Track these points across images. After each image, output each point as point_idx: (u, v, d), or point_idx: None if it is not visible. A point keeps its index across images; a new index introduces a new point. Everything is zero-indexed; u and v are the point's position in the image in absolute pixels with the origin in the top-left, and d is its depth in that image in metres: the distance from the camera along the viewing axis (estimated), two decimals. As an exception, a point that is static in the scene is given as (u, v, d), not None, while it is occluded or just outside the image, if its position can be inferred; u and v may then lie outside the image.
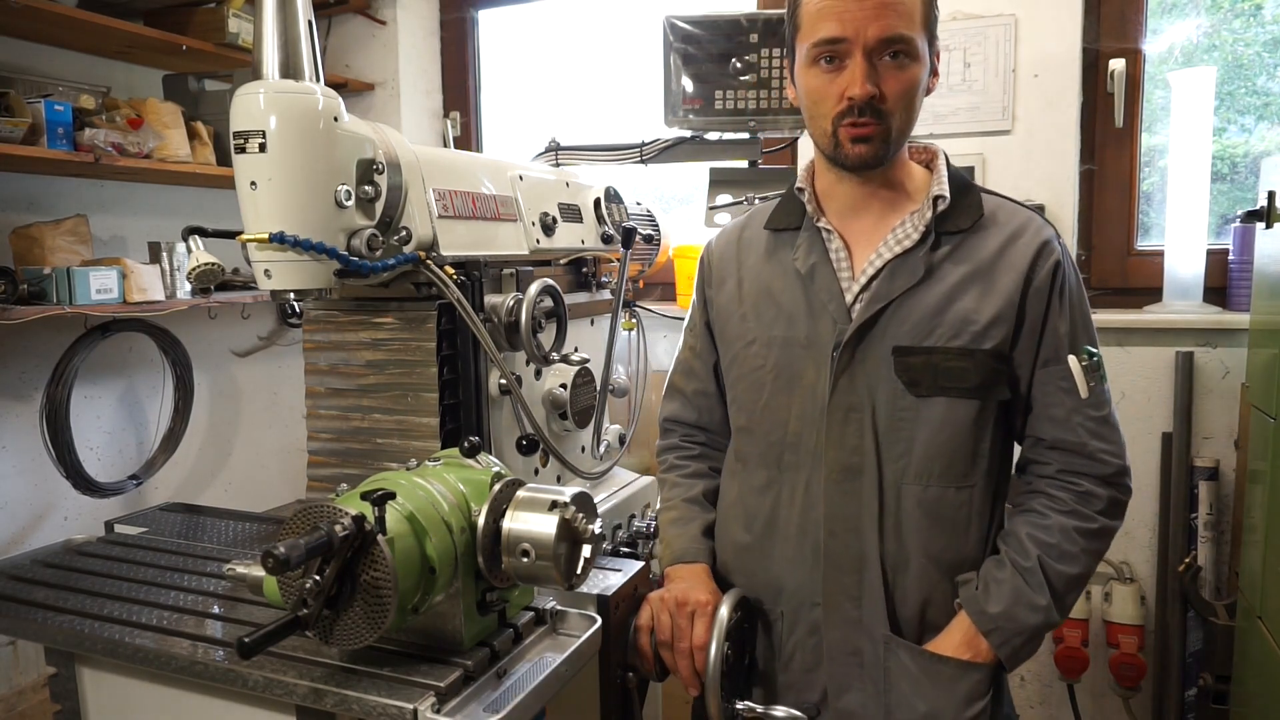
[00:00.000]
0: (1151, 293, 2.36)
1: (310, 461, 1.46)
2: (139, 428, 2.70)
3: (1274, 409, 1.71)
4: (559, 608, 1.20)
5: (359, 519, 0.94)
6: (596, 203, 1.83)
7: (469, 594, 1.06)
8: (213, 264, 1.24)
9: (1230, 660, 2.07)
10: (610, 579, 1.32)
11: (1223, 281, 2.29)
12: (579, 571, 1.10)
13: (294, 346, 3.18)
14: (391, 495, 0.98)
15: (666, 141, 2.21)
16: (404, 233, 1.30)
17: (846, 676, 1.30)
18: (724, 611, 1.27)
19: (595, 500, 1.17)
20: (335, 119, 1.17)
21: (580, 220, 1.77)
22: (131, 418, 2.68)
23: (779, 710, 1.27)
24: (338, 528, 0.92)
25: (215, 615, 1.19)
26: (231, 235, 1.20)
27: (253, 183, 1.13)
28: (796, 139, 2.37)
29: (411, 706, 0.95)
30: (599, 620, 1.19)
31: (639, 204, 2.12)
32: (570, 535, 1.08)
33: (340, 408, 1.44)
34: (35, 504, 2.43)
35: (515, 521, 1.07)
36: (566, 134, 2.21)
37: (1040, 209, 1.37)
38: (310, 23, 1.19)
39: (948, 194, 1.28)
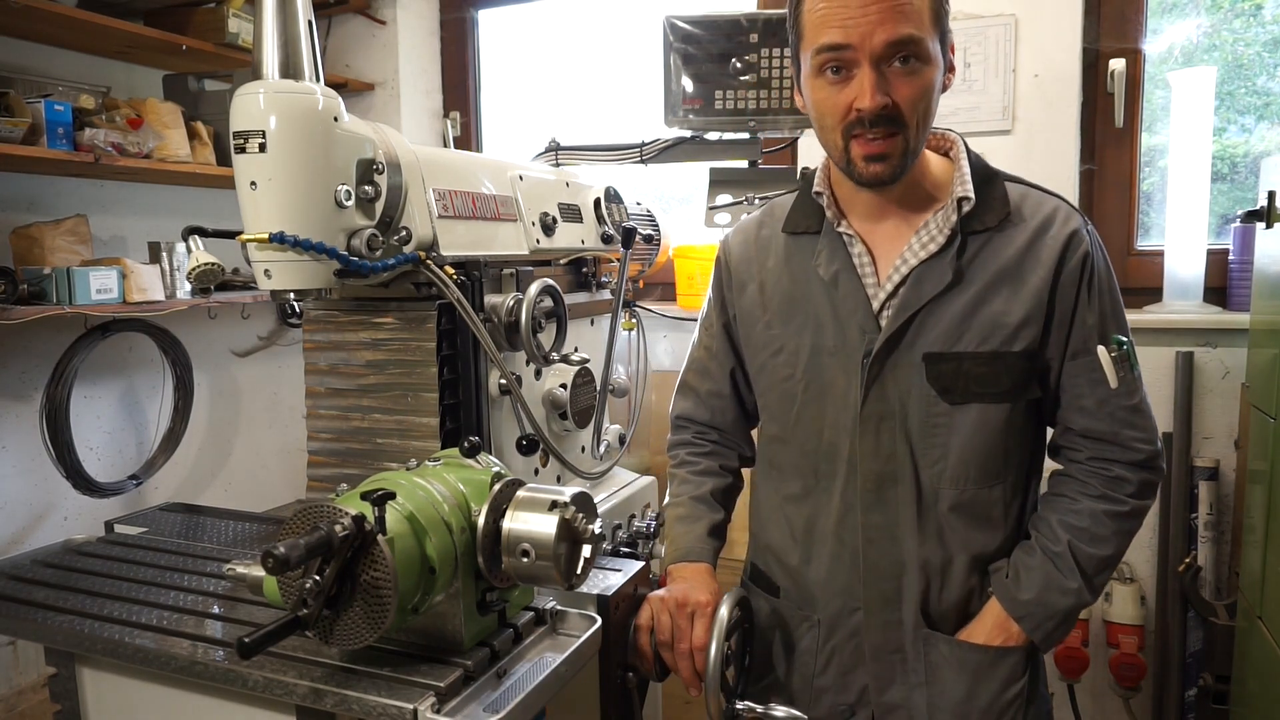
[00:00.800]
0: (1151, 293, 2.36)
1: (310, 461, 1.46)
2: (139, 428, 2.70)
3: (1274, 409, 1.71)
4: (559, 608, 1.20)
5: (359, 519, 0.94)
6: (596, 203, 1.83)
7: (469, 594, 1.06)
8: (213, 264, 1.24)
9: (1230, 660, 2.07)
10: (610, 579, 1.32)
11: (1223, 281, 2.29)
12: (579, 571, 1.10)
13: (294, 346, 3.18)
14: (391, 495, 0.98)
15: (666, 141, 2.20)
16: (404, 233, 1.30)
17: (889, 672, 1.31)
18: (724, 612, 1.26)
19: (595, 500, 1.17)
20: (335, 119, 1.17)
21: (580, 220, 1.77)
22: (131, 418, 2.68)
23: (779, 710, 1.27)
24: (338, 528, 0.92)
25: (215, 615, 1.19)
26: (231, 235, 1.20)
27: (253, 183, 1.13)
28: (796, 139, 2.37)
29: (411, 706, 0.95)
30: (599, 620, 1.19)
31: (639, 204, 2.12)
32: (570, 535, 1.08)
33: (340, 408, 1.44)
34: (35, 504, 2.43)
35: (515, 521, 1.07)
36: (566, 134, 2.21)
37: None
38: (310, 23, 1.19)
39: (972, 194, 1.23)
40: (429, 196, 1.34)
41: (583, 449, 1.79)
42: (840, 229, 1.30)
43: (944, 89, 1.22)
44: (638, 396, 2.34)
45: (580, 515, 1.08)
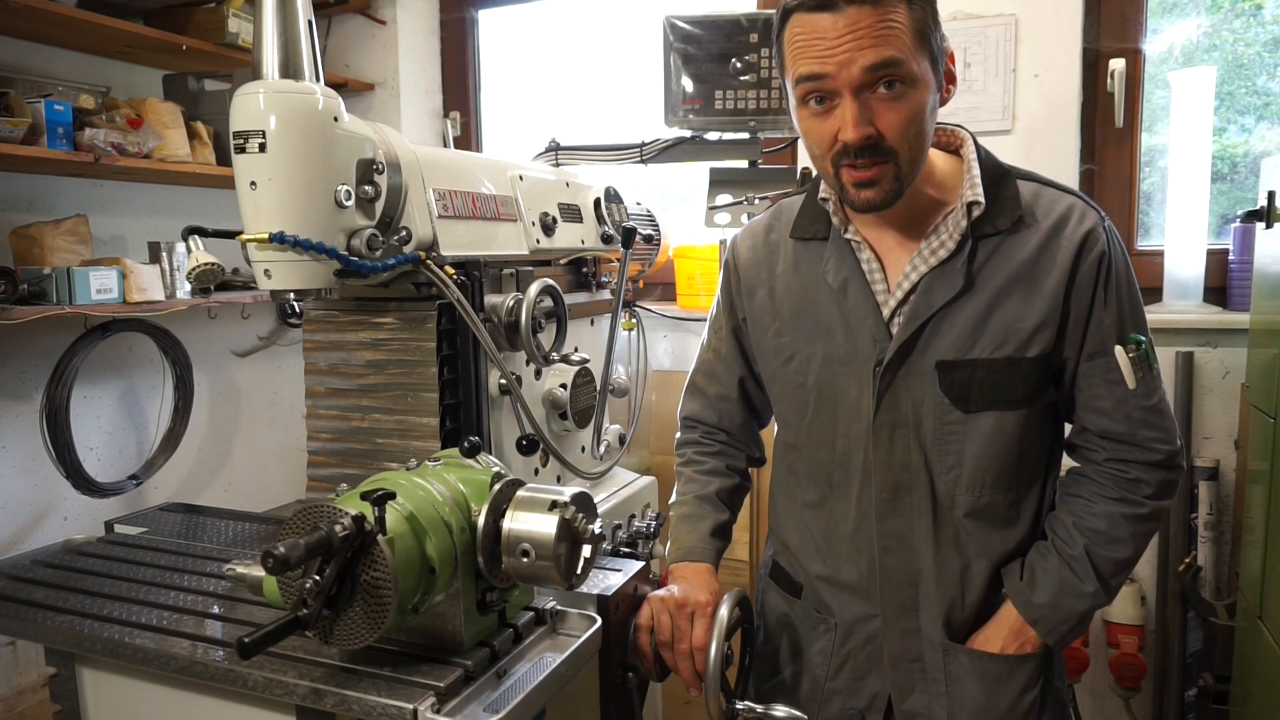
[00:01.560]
0: (1151, 293, 2.35)
1: (310, 461, 1.46)
2: (139, 428, 2.70)
3: (1274, 409, 1.71)
4: (559, 608, 1.20)
5: (359, 519, 0.94)
6: (596, 203, 1.83)
7: (469, 594, 1.06)
8: (213, 264, 1.24)
9: (1230, 660, 2.07)
10: (610, 579, 1.32)
11: (1223, 281, 2.29)
12: (579, 571, 1.10)
13: (294, 346, 3.18)
14: (391, 495, 0.98)
15: (666, 141, 2.21)
16: (404, 233, 1.30)
17: (909, 681, 1.31)
18: (724, 612, 1.26)
19: (595, 500, 1.17)
20: (335, 119, 1.17)
21: (580, 220, 1.77)
22: (131, 418, 2.68)
23: (779, 710, 1.27)
24: (338, 528, 0.92)
25: (215, 615, 1.19)
26: (231, 235, 1.20)
27: (253, 183, 1.13)
28: (796, 139, 2.37)
29: (411, 706, 0.95)
30: (599, 620, 1.19)
31: (639, 204, 2.12)
32: (570, 535, 1.08)
33: (340, 408, 1.44)
34: (35, 504, 2.43)
35: (515, 521, 1.07)
36: (566, 134, 2.21)
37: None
38: (310, 23, 1.19)
39: (983, 198, 1.19)
40: (429, 196, 1.34)
41: (583, 449, 1.78)
42: (848, 235, 1.27)
43: (942, 103, 1.19)
44: (638, 396, 2.34)
45: (580, 515, 1.08)
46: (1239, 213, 2.21)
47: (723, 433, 1.52)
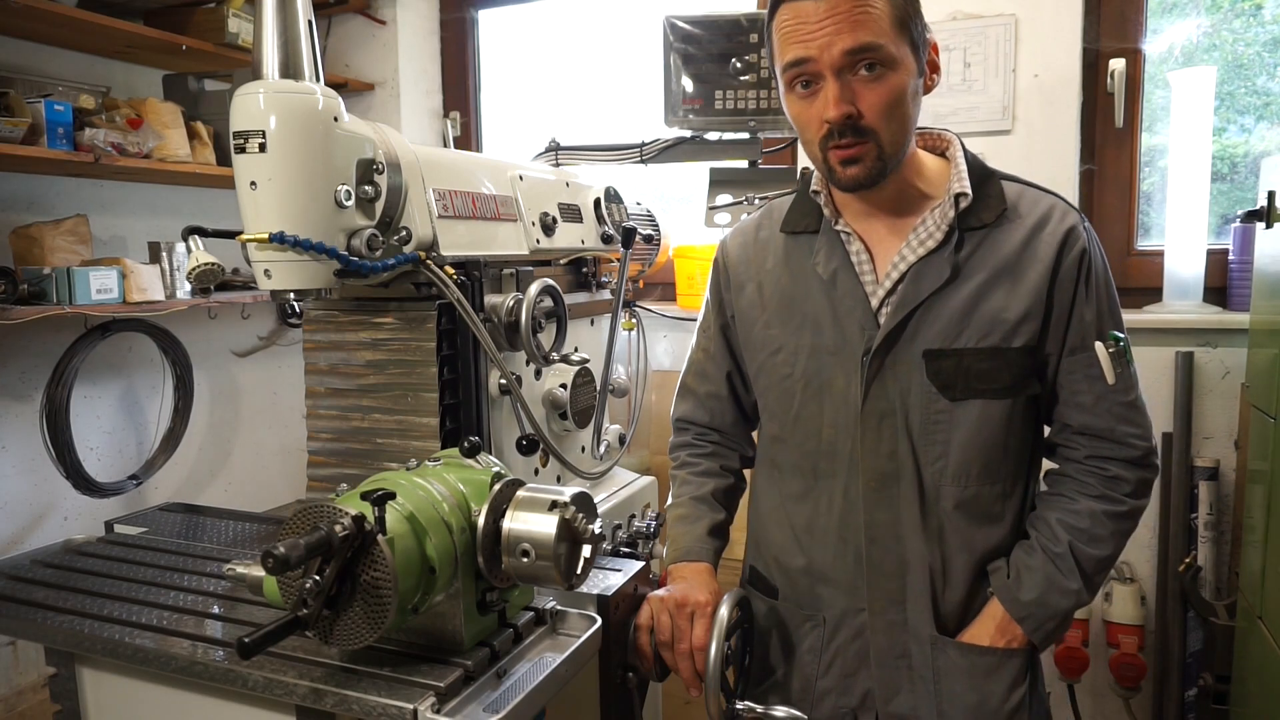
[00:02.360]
0: (1151, 293, 2.36)
1: (310, 461, 1.46)
2: (139, 428, 2.70)
3: (1274, 409, 1.71)
4: (559, 608, 1.20)
5: (359, 519, 0.94)
6: (596, 203, 1.83)
7: (469, 594, 1.06)
8: (213, 264, 1.24)
9: (1230, 660, 2.07)
10: (610, 579, 1.32)
11: (1223, 281, 2.29)
12: (579, 571, 1.10)
13: (294, 346, 3.18)
14: (391, 495, 0.98)
15: (666, 141, 2.21)
16: (404, 233, 1.30)
17: (896, 680, 1.30)
18: (724, 612, 1.26)
19: (595, 500, 1.17)
20: (335, 119, 1.17)
21: (580, 220, 1.77)
22: (131, 418, 2.68)
23: (779, 710, 1.27)
24: (338, 528, 0.92)
25: (215, 615, 1.19)
26: (231, 235, 1.20)
27: (253, 183, 1.13)
28: (796, 139, 2.37)
29: (411, 706, 0.95)
30: (599, 620, 1.19)
31: (639, 204, 2.12)
32: (570, 535, 1.08)
33: (340, 408, 1.44)
34: (35, 504, 2.43)
35: (515, 521, 1.07)
36: (566, 134, 2.21)
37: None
38: (310, 23, 1.19)
39: (969, 190, 1.24)
40: (429, 196, 1.34)
41: (583, 449, 1.79)
42: (838, 227, 1.30)
43: (926, 90, 1.23)
44: (638, 396, 2.34)
45: (580, 515, 1.08)
46: (1239, 213, 2.21)
47: (715, 432, 1.53)
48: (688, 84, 2.10)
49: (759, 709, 1.28)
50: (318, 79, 1.19)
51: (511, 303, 1.44)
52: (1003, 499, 1.29)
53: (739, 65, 2.07)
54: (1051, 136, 2.34)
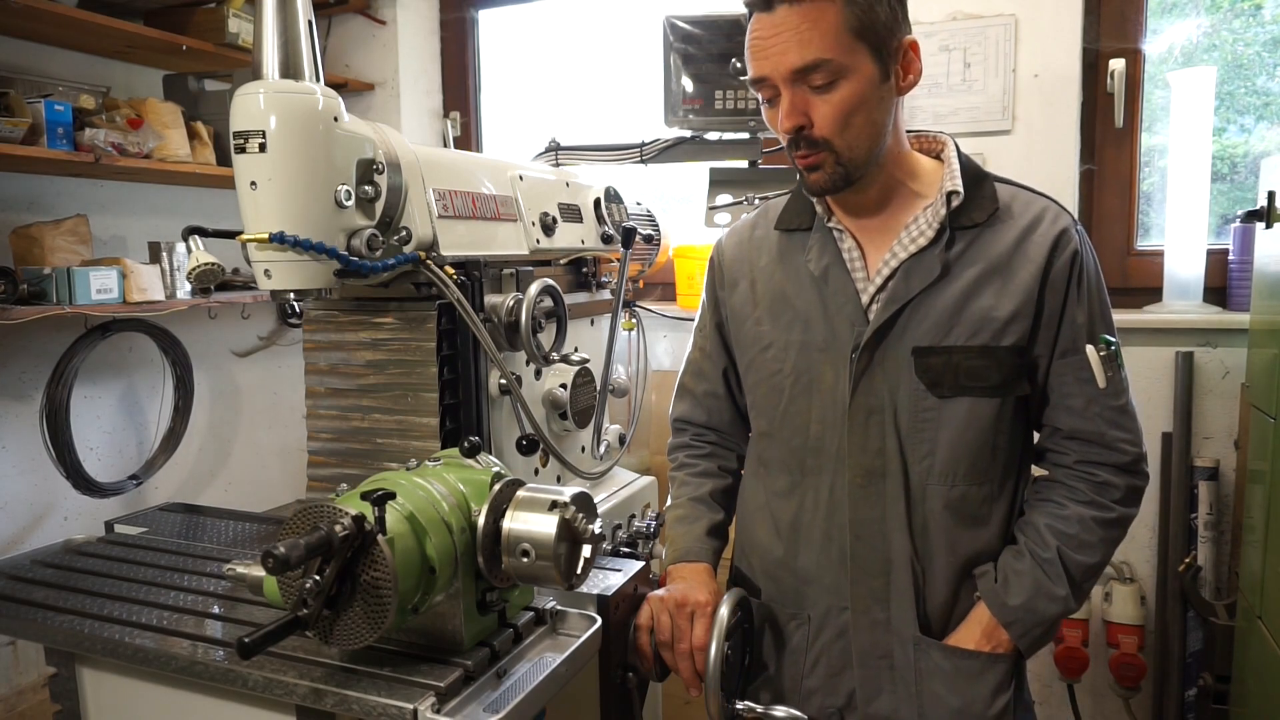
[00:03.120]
0: (1151, 293, 2.36)
1: (310, 461, 1.46)
2: (139, 428, 2.70)
3: (1274, 409, 1.71)
4: (559, 608, 1.20)
5: (359, 519, 0.94)
6: (596, 203, 1.83)
7: (469, 594, 1.06)
8: (213, 264, 1.24)
9: (1230, 660, 2.07)
10: (610, 579, 1.32)
11: (1223, 281, 2.29)
12: (579, 571, 1.10)
13: (294, 346, 3.18)
14: (391, 495, 0.98)
15: (666, 141, 2.20)
16: (404, 233, 1.30)
17: (877, 681, 1.30)
18: (724, 612, 1.26)
19: (595, 500, 1.17)
20: (335, 119, 1.17)
21: (580, 220, 1.77)
22: (131, 418, 2.68)
23: (779, 710, 1.27)
24: (338, 528, 0.92)
25: (215, 615, 1.19)
26: (231, 235, 1.20)
27: (253, 183, 1.13)
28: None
29: (411, 706, 0.95)
30: (599, 620, 1.19)
31: (639, 204, 2.12)
32: (570, 535, 1.08)
33: (340, 408, 1.44)
34: (35, 504, 2.43)
35: (515, 521, 1.07)
36: (566, 134, 2.21)
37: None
38: (310, 23, 1.19)
39: (961, 188, 1.25)
40: (429, 196, 1.34)
41: (583, 449, 1.79)
42: (830, 224, 1.32)
43: (901, 91, 1.23)
44: (638, 396, 2.34)
45: (580, 515, 1.08)
46: (1239, 213, 2.21)
47: (712, 432, 1.53)
48: (688, 84, 2.10)
49: (759, 709, 1.29)
50: (318, 79, 1.19)
51: (511, 303, 1.44)
52: (989, 502, 1.28)
53: (739, 65, 2.07)
54: (1051, 136, 2.34)
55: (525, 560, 1.06)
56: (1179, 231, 2.28)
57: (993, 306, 1.23)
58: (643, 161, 2.21)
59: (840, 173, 1.22)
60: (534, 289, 1.44)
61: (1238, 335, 2.20)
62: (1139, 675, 2.26)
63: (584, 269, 1.80)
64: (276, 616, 0.95)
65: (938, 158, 1.33)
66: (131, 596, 1.24)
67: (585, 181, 1.85)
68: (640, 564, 1.39)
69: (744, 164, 2.24)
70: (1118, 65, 2.33)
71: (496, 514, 1.07)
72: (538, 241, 1.59)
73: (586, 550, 1.11)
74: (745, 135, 2.18)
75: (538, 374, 1.61)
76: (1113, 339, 1.26)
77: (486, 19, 3.32)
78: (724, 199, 2.19)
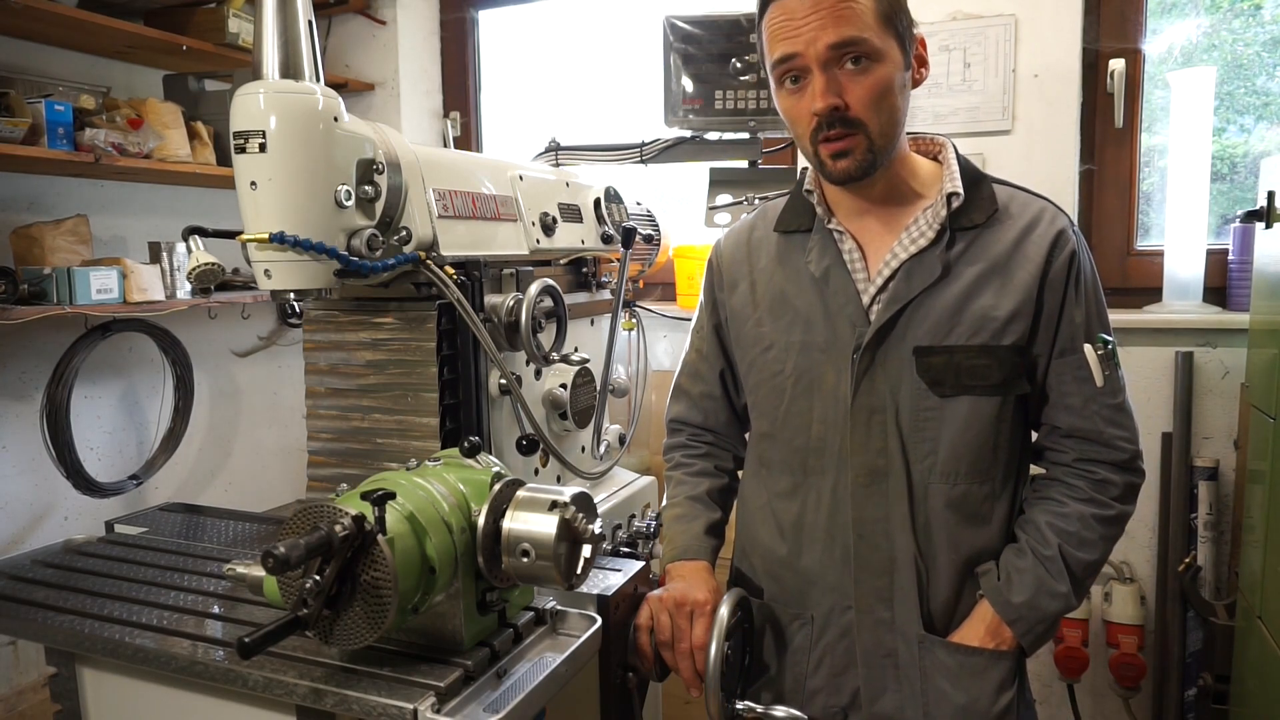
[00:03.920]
0: (1151, 293, 2.36)
1: (310, 461, 1.46)
2: (139, 428, 2.70)
3: (1274, 409, 1.71)
4: (559, 608, 1.20)
5: (359, 519, 0.94)
6: (596, 203, 1.83)
7: (469, 594, 1.06)
8: (213, 264, 1.24)
9: (1230, 660, 2.07)
10: (610, 579, 1.32)
11: (1222, 281, 2.29)
12: (579, 571, 1.10)
13: (294, 346, 3.18)
14: (391, 495, 0.98)
15: (666, 141, 2.20)
16: (404, 233, 1.30)
17: (882, 679, 1.30)
18: (724, 611, 1.26)
19: (595, 500, 1.17)
20: (335, 119, 1.17)
21: (580, 220, 1.77)
22: (131, 418, 2.68)
23: (779, 711, 1.27)
24: (338, 528, 0.92)
25: (215, 615, 1.19)
26: (231, 235, 1.20)
27: (253, 183, 1.13)
28: (796, 139, 2.37)
29: (411, 706, 0.95)
30: (599, 620, 1.19)
31: (639, 204, 2.12)
32: (570, 535, 1.08)
33: (340, 408, 1.44)
34: (35, 504, 2.43)
35: (515, 521, 1.07)
36: (566, 134, 2.21)
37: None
38: (310, 23, 1.19)
39: (961, 190, 1.26)
40: (429, 196, 1.34)
41: (583, 449, 1.79)
42: (831, 226, 1.32)
43: (914, 84, 1.26)
44: (638, 396, 2.34)
45: (580, 515, 1.08)
46: (1239, 213, 2.21)
47: (709, 433, 1.53)
48: (688, 84, 2.10)
49: (759, 709, 1.28)
50: (318, 79, 1.19)
51: (511, 303, 1.44)
52: (991, 500, 1.29)
53: (739, 65, 2.07)
54: (1051, 136, 2.34)
55: (525, 560, 1.06)
56: (1179, 231, 2.28)
57: (993, 306, 1.23)
58: (643, 161, 2.21)
59: (869, 159, 1.21)
60: (534, 289, 1.44)
61: (1237, 335, 2.20)
62: (1139, 675, 2.26)
63: (584, 269, 1.80)
64: (276, 616, 0.95)
65: (935, 159, 1.34)
66: (132, 596, 1.24)
67: (585, 181, 1.85)
68: (640, 564, 1.39)
69: (744, 164, 2.24)
70: (1118, 65, 2.33)
71: (496, 514, 1.07)
72: (538, 241, 1.59)
73: (586, 550, 1.11)
74: (745, 135, 2.18)
75: (538, 374, 1.61)
76: (1109, 338, 1.27)
77: (486, 19, 3.32)
78: (724, 199, 2.19)
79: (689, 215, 2.85)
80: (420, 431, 1.37)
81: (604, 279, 1.86)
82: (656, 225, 2.15)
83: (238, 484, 3.02)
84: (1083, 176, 2.41)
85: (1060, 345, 1.26)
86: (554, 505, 1.07)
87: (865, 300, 1.28)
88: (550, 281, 1.48)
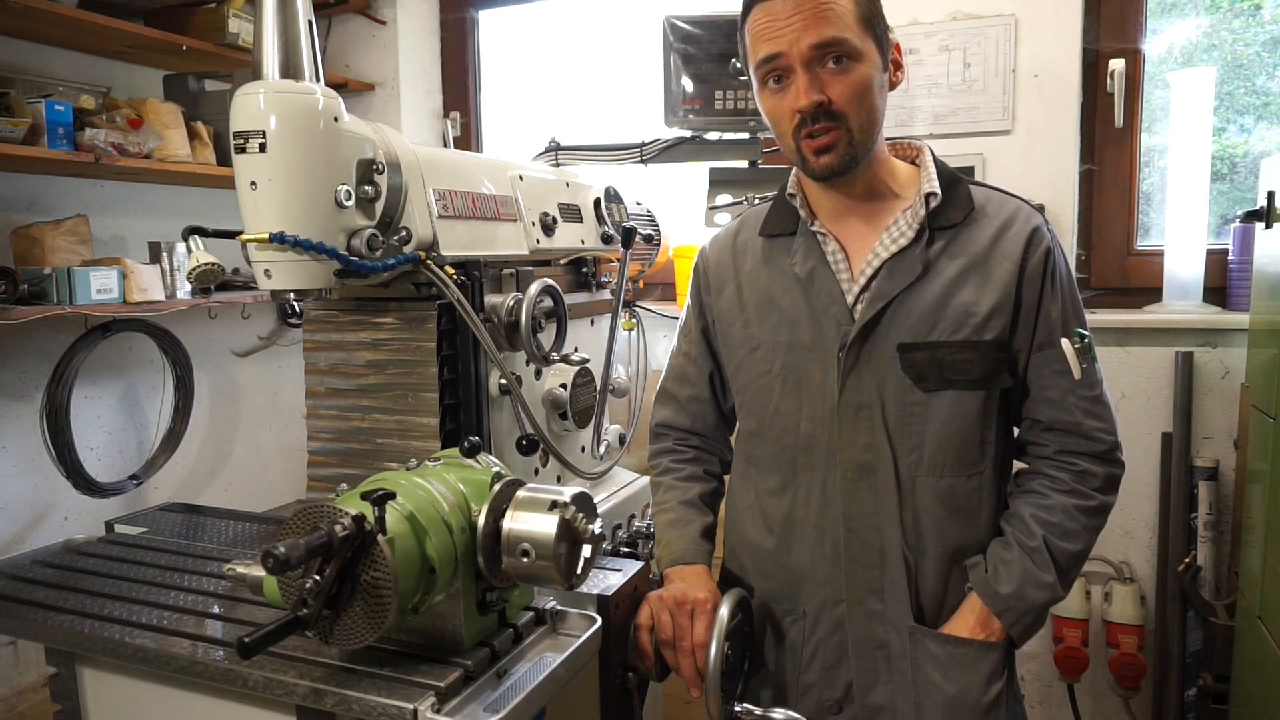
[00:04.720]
0: (1151, 293, 2.36)
1: (310, 461, 1.46)
2: (139, 428, 2.70)
3: (1274, 409, 1.71)
4: (559, 608, 1.20)
5: (359, 519, 0.94)
6: (596, 203, 1.83)
7: (469, 594, 1.06)
8: (213, 264, 1.24)
9: (1230, 660, 2.07)
10: (610, 579, 1.32)
11: (1222, 281, 2.29)
12: (579, 571, 1.10)
13: (294, 346, 3.18)
14: (391, 495, 0.98)
15: (666, 141, 2.21)
16: (404, 233, 1.30)
17: (874, 671, 1.32)
18: (724, 611, 1.27)
19: (595, 500, 1.17)
20: (335, 119, 1.17)
21: (580, 220, 1.77)
22: (131, 418, 2.68)
23: (777, 713, 1.27)
24: (338, 528, 0.92)
25: (215, 615, 1.19)
26: (231, 235, 1.20)
27: (253, 183, 1.13)
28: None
29: (411, 706, 0.95)
30: (599, 620, 1.19)
31: (639, 204, 2.12)
32: (570, 535, 1.08)
33: (340, 408, 1.44)
34: (35, 504, 2.43)
35: (515, 521, 1.07)
36: (566, 134, 2.21)
37: (1040, 209, 1.37)
38: (310, 23, 1.19)
39: (939, 190, 1.29)
40: (429, 196, 1.34)
41: (583, 449, 1.79)
42: (814, 228, 1.35)
43: (890, 86, 1.30)
44: (638, 396, 2.34)
45: (580, 515, 1.08)
46: (1239, 213, 2.21)
47: (696, 437, 1.54)
48: (688, 84, 2.11)
49: (757, 711, 1.29)
50: (318, 79, 1.19)
51: (511, 303, 1.44)
52: (977, 493, 1.31)
53: (739, 65, 2.07)
54: (1051, 136, 2.34)
55: (525, 560, 1.06)
56: (1179, 231, 2.28)
57: (974, 302, 1.27)
58: (643, 161, 2.21)
59: (850, 154, 1.25)
60: (534, 289, 1.44)
61: (1237, 335, 2.20)
62: (1139, 675, 2.26)
63: (584, 269, 1.80)
64: (276, 616, 0.95)
65: (913, 163, 1.38)
66: (131, 596, 1.24)
67: (585, 181, 1.85)
68: (640, 564, 1.39)
69: (744, 164, 2.25)
70: (1117, 65, 2.33)
71: (496, 514, 1.07)
72: (538, 241, 1.59)
73: (586, 550, 1.11)
74: (745, 135, 2.18)
75: (538, 374, 1.61)
76: (1085, 332, 1.30)
77: (486, 19, 3.32)
78: (724, 199, 2.19)
79: (689, 215, 2.85)
80: (420, 431, 1.38)
81: (604, 279, 1.86)
82: (656, 225, 2.15)
83: (238, 484, 3.02)
84: (1083, 176, 2.41)
85: (1039, 339, 1.30)
86: (554, 505, 1.07)
87: (849, 299, 1.31)
88: (550, 281, 1.48)
